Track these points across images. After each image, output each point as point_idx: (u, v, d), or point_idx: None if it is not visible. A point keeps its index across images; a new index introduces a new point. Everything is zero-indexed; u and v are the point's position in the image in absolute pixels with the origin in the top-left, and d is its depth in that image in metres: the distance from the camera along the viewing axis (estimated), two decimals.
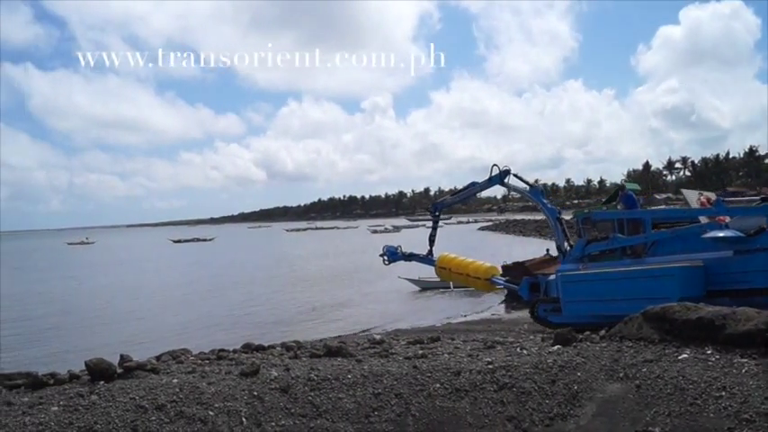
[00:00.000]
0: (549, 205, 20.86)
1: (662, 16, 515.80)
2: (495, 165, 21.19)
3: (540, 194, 21.08)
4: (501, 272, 22.93)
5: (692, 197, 20.34)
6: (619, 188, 21.72)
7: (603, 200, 23.31)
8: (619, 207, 20.07)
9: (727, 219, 17.05)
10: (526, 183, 21.51)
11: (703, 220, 18.01)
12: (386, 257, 24.48)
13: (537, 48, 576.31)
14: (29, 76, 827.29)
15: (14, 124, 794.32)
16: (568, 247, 19.86)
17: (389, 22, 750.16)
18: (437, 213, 24.07)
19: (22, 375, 10.77)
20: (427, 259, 23.70)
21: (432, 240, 23.64)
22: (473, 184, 22.69)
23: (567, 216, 23.51)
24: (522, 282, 20.71)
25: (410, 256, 24.19)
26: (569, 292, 18.19)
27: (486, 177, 21.56)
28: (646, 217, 18.90)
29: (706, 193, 21.27)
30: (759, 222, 15.91)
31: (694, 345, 9.22)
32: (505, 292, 25.65)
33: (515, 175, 21.19)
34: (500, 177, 21.14)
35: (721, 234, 16.00)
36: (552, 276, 19.86)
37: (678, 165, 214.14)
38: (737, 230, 15.95)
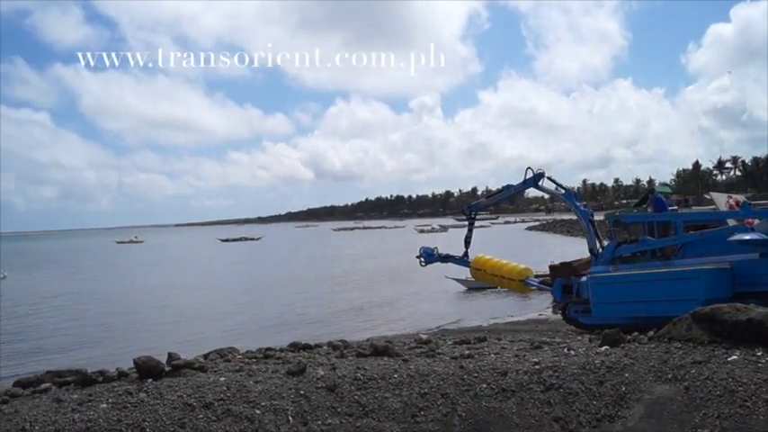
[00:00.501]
0: (581, 208, 21.06)
1: (712, 14, 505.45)
2: (529, 168, 21.67)
3: (573, 197, 21.27)
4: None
5: (721, 200, 20.63)
6: (649, 191, 21.94)
7: (635, 202, 23.08)
8: (649, 210, 20.11)
9: (756, 221, 17.20)
10: (560, 186, 21.71)
11: (732, 222, 18.17)
12: (422, 259, 24.69)
13: (586, 46, 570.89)
14: (79, 77, 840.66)
15: (65, 125, 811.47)
16: (600, 250, 20.05)
17: (438, 22, 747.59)
18: (472, 215, 24.28)
19: (71, 372, 10.97)
20: (463, 261, 23.88)
21: (467, 242, 23.84)
22: (508, 186, 23.02)
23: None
24: (554, 283, 20.80)
25: (446, 258, 24.38)
26: (598, 294, 18.52)
27: (521, 180, 21.80)
28: (675, 220, 18.99)
29: (735, 196, 21.54)
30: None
31: (744, 346, 9.06)
32: None
33: (549, 179, 21.54)
34: (534, 180, 21.50)
35: (747, 237, 16.23)
36: (584, 278, 19.96)
37: (728, 164, 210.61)
38: (764, 233, 16.15)
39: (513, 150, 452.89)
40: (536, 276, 23.15)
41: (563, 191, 21.63)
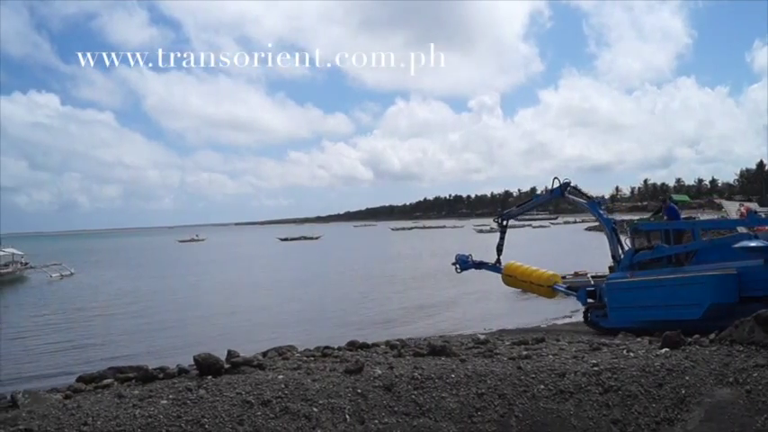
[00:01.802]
0: (604, 216, 22.03)
1: None
2: (556, 177, 22.88)
3: (596, 206, 22.20)
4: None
5: (732, 208, 21.50)
6: (664, 200, 22.94)
7: (654, 211, 24.48)
8: (663, 218, 21.20)
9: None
10: (585, 195, 22.71)
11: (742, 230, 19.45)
12: (458, 266, 26.01)
13: (648, 45, 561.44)
14: (143, 78, 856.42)
15: (129, 125, 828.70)
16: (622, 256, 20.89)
17: (500, 21, 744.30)
18: (504, 223, 25.31)
19: (133, 369, 11.26)
20: (495, 267, 25.00)
21: (500, 249, 25.02)
22: (536, 196, 24.71)
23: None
24: (579, 289, 21.70)
25: (480, 265, 25.60)
26: (614, 299, 19.57)
27: (551, 188, 23.29)
28: (688, 227, 20.35)
29: (747, 204, 22.75)
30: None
31: None
32: None
33: (575, 188, 22.65)
34: (561, 190, 22.65)
35: (752, 244, 17.00)
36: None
37: None
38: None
39: (573, 150, 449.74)
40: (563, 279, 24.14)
41: (586, 200, 22.55)
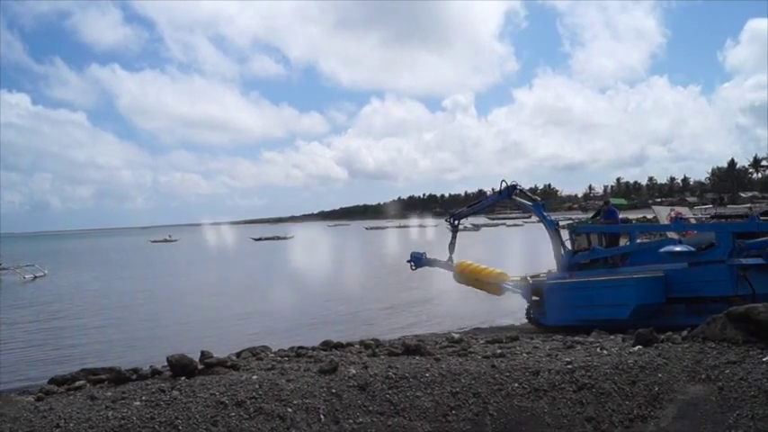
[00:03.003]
0: (548, 218, 22.84)
1: (751, 9, 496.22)
2: (503, 180, 23.55)
3: (540, 209, 23.07)
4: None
5: (663, 213, 23.19)
6: (604, 203, 23.97)
7: (592, 214, 25.86)
8: (601, 221, 22.27)
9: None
10: (529, 197, 23.63)
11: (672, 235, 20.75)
12: (413, 263, 26.98)
13: (622, 44, 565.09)
14: (116, 77, 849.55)
15: (102, 125, 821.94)
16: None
17: (475, 21, 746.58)
18: (456, 224, 26.32)
19: (105, 370, 11.16)
20: (448, 265, 25.63)
21: (452, 248, 25.73)
22: (487, 197, 25.83)
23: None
24: (528, 286, 22.26)
25: (433, 262, 26.39)
26: (552, 298, 20.54)
27: (498, 190, 24.01)
28: (623, 230, 21.60)
29: (677, 209, 23.70)
30: (709, 238, 18.13)
31: None
32: None
33: (521, 190, 23.42)
34: (508, 192, 23.38)
35: (676, 249, 18.23)
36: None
37: (765, 162, 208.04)
38: (692, 245, 18.21)
39: (546, 149, 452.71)
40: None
41: (531, 202, 23.35)
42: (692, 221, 23.89)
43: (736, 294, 16.79)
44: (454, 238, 26.00)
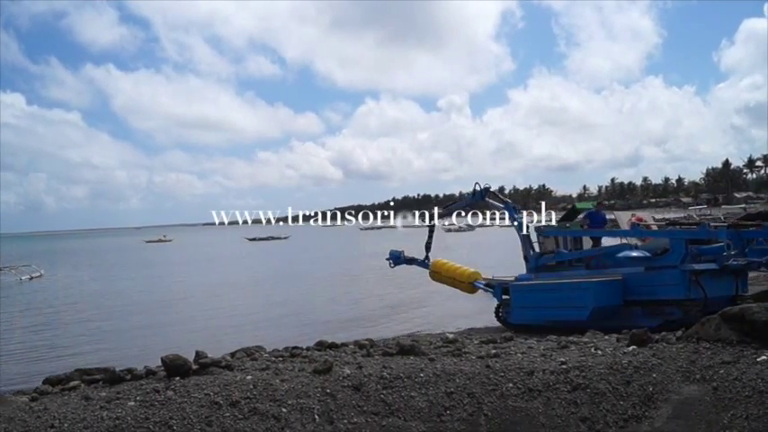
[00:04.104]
0: (518, 219, 23.29)
1: (747, 9, 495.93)
2: (477, 183, 24.77)
3: (512, 210, 23.57)
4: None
5: (624, 218, 24.32)
6: (571, 208, 25.29)
7: (560, 218, 26.91)
8: (585, 224, 23.11)
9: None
10: (501, 200, 24.51)
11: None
12: (391, 261, 27.64)
13: (618, 44, 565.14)
14: (111, 77, 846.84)
15: (97, 125, 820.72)
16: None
17: (471, 21, 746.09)
18: (432, 224, 27.17)
19: (100, 371, 11.11)
20: (424, 263, 26.39)
21: (428, 247, 26.62)
22: (461, 198, 26.97)
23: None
24: (495, 286, 23.12)
25: (411, 261, 27.18)
26: (517, 299, 21.24)
27: (471, 192, 25.06)
28: (584, 235, 22.55)
29: (639, 214, 25.07)
30: (664, 244, 19.11)
31: None
32: None
33: (493, 193, 24.50)
34: (481, 194, 24.43)
35: (633, 254, 19.46)
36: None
37: (759, 163, 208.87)
38: (648, 251, 19.34)
39: (541, 149, 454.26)
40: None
41: (503, 205, 24.09)
42: (654, 227, 24.78)
43: (688, 298, 17.92)
44: (430, 237, 26.85)
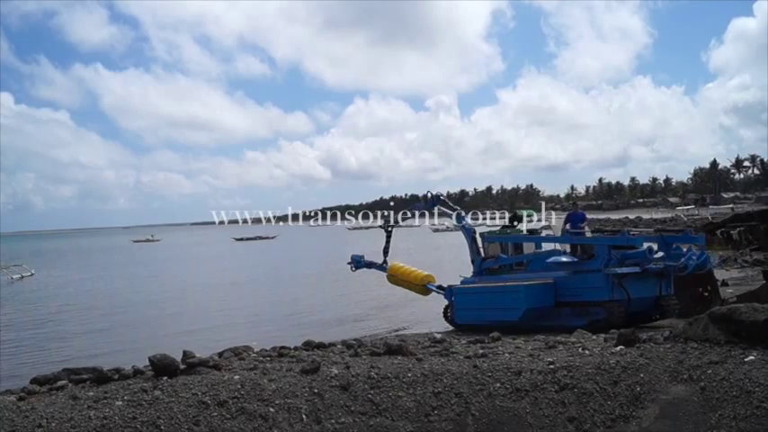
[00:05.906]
0: (466, 226, 24.88)
1: (735, 9, 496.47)
2: (429, 191, 26.60)
3: (461, 218, 25.24)
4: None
5: (559, 224, 24.83)
6: (513, 215, 26.02)
7: (504, 225, 26.99)
8: (567, 226, 23.52)
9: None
10: (450, 207, 26.24)
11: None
12: (353, 265, 28.49)
13: (607, 44, 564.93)
14: (100, 77, 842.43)
15: (86, 124, 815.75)
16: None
17: (462, 21, 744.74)
18: (389, 229, 28.32)
19: (87, 370, 11.02)
20: (382, 267, 27.29)
21: (386, 251, 27.63)
22: (414, 205, 28.91)
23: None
24: (446, 288, 23.82)
25: (370, 264, 28.14)
26: (460, 300, 22.51)
27: (429, 200, 26.85)
28: (527, 241, 23.50)
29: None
30: (591, 249, 20.86)
31: (762, 347, 8.95)
32: None
33: (443, 200, 26.76)
34: (433, 202, 26.51)
35: (562, 259, 21.38)
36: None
37: (747, 163, 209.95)
38: (575, 256, 21.32)
39: (530, 149, 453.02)
40: None
41: (453, 211, 25.75)
42: (588, 234, 25.26)
43: (611, 299, 19.32)
44: (388, 242, 27.93)
